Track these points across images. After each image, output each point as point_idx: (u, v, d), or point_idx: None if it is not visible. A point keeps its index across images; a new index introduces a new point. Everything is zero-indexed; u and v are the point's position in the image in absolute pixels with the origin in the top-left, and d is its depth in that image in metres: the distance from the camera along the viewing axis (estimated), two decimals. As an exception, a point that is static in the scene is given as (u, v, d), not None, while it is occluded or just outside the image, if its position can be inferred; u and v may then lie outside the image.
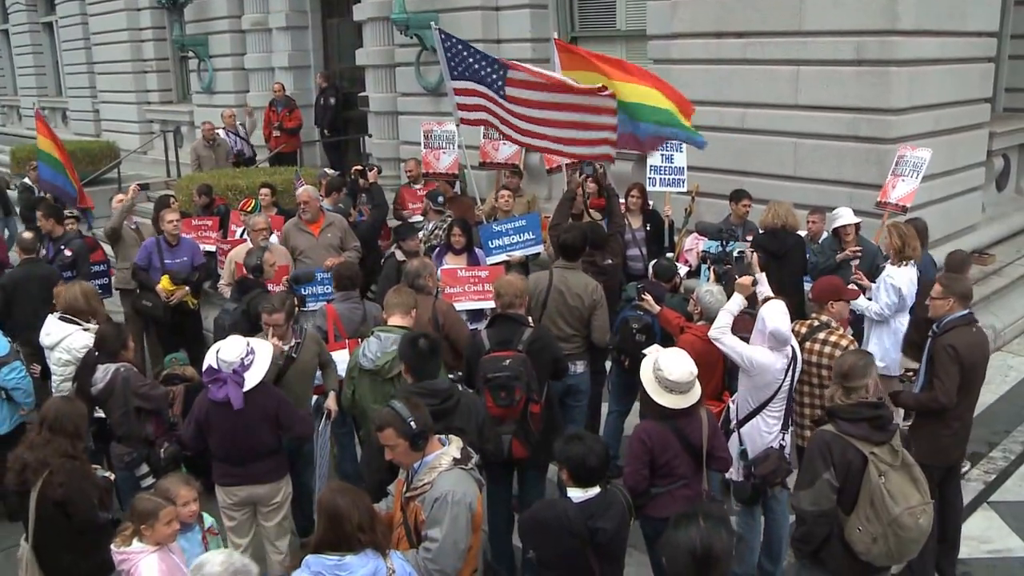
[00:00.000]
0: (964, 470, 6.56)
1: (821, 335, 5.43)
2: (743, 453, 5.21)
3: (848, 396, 4.32)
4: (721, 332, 5.18)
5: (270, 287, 7.15)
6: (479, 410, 4.84)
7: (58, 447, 4.62)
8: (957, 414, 5.30)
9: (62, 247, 8.55)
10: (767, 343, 5.06)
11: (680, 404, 4.59)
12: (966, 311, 5.38)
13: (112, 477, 5.10)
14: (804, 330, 5.52)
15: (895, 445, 4.16)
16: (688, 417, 4.63)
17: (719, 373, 5.73)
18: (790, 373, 5.12)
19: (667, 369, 4.58)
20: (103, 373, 5.59)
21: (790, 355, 5.11)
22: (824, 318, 5.55)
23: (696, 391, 4.65)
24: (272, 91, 14.87)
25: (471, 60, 8.07)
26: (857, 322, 6.91)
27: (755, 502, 5.31)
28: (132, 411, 5.55)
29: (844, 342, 5.37)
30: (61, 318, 6.47)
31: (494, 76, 7.95)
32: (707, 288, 5.87)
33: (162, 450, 5.54)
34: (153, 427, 5.64)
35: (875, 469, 4.07)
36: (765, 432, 5.16)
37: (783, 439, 5.18)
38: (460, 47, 8.11)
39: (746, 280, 5.38)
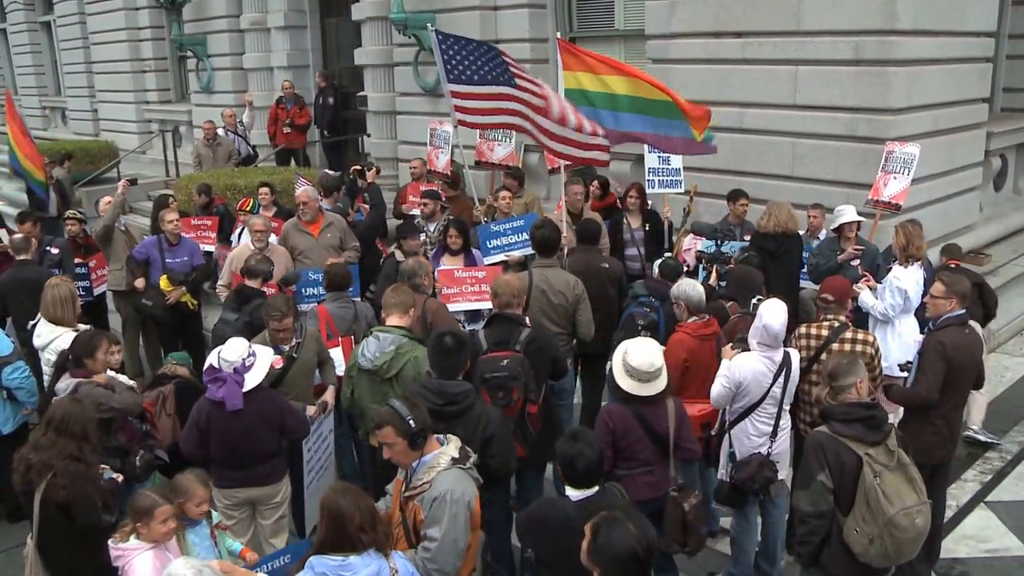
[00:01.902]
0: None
1: (848, 335, 5.50)
2: (731, 455, 5.26)
3: (836, 396, 4.35)
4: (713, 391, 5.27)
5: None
6: (491, 423, 4.74)
7: (63, 449, 4.58)
8: (941, 413, 5.30)
9: (47, 247, 8.56)
10: (756, 337, 5.11)
11: (638, 391, 4.72)
12: (963, 311, 5.40)
13: (119, 479, 5.05)
14: (826, 332, 5.56)
15: (890, 445, 4.17)
16: (652, 405, 4.76)
17: (714, 370, 5.70)
18: (781, 380, 5.12)
19: (630, 354, 4.75)
20: (64, 384, 5.49)
21: (779, 361, 5.11)
22: (842, 318, 5.61)
23: (658, 383, 4.75)
24: (281, 88, 14.82)
25: (473, 57, 7.93)
26: (861, 321, 6.95)
27: (735, 504, 5.35)
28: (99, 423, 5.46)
29: (870, 338, 5.50)
30: (51, 319, 6.46)
31: (499, 70, 7.78)
32: (678, 284, 5.97)
33: (137, 458, 5.44)
34: (126, 436, 5.53)
35: (870, 470, 4.08)
36: (753, 436, 5.18)
37: (771, 446, 5.18)
38: (459, 47, 8.00)
39: (728, 350, 5.42)
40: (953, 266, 7.20)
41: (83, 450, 4.66)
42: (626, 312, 6.61)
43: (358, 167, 9.73)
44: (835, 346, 5.46)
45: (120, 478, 5.08)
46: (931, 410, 5.26)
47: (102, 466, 4.91)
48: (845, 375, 4.36)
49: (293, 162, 14.36)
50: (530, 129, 7.82)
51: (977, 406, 7.17)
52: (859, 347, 5.42)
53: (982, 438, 7.23)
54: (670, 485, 4.88)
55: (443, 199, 9.36)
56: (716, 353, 5.71)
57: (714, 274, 7.12)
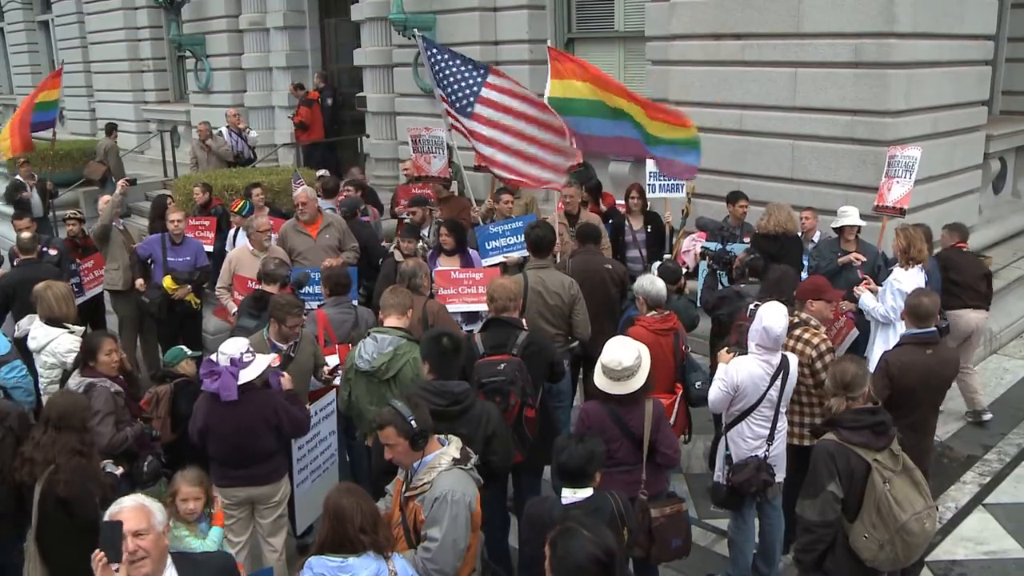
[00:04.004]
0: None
1: (797, 331, 5.51)
2: (727, 457, 5.26)
3: (851, 405, 4.32)
4: (711, 394, 5.29)
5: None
6: (492, 421, 4.74)
7: (66, 444, 4.58)
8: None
9: (45, 248, 8.54)
10: (756, 339, 5.12)
11: (611, 389, 4.71)
12: (923, 330, 5.35)
13: (119, 473, 5.02)
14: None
15: (895, 450, 4.17)
16: (628, 406, 4.72)
17: (670, 366, 5.76)
18: (778, 383, 5.11)
19: (606, 351, 4.74)
20: (75, 383, 5.48)
21: (776, 364, 5.11)
22: (804, 315, 5.61)
23: (632, 383, 4.71)
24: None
25: (449, 71, 8.06)
26: (863, 324, 6.95)
27: (731, 506, 5.36)
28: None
29: (816, 339, 5.43)
30: (47, 321, 6.44)
31: (468, 91, 7.92)
32: (647, 280, 6.00)
33: (145, 464, 5.41)
34: (135, 441, 5.51)
35: (879, 476, 4.07)
36: (750, 439, 5.18)
37: (768, 450, 5.19)
38: (441, 56, 8.10)
39: (724, 354, 5.43)
40: (962, 249, 7.63)
41: (84, 441, 4.66)
42: (626, 314, 6.61)
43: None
44: (785, 340, 5.48)
45: (120, 471, 5.06)
46: None
47: (105, 460, 4.92)
48: (859, 385, 4.34)
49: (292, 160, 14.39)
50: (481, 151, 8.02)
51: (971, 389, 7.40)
52: (800, 345, 5.42)
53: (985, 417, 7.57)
54: (658, 489, 4.88)
55: (432, 200, 9.35)
56: (673, 348, 5.74)
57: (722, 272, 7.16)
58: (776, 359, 5.11)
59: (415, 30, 9.61)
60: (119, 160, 15.44)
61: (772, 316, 5.06)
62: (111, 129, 15.81)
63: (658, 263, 7.14)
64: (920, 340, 5.34)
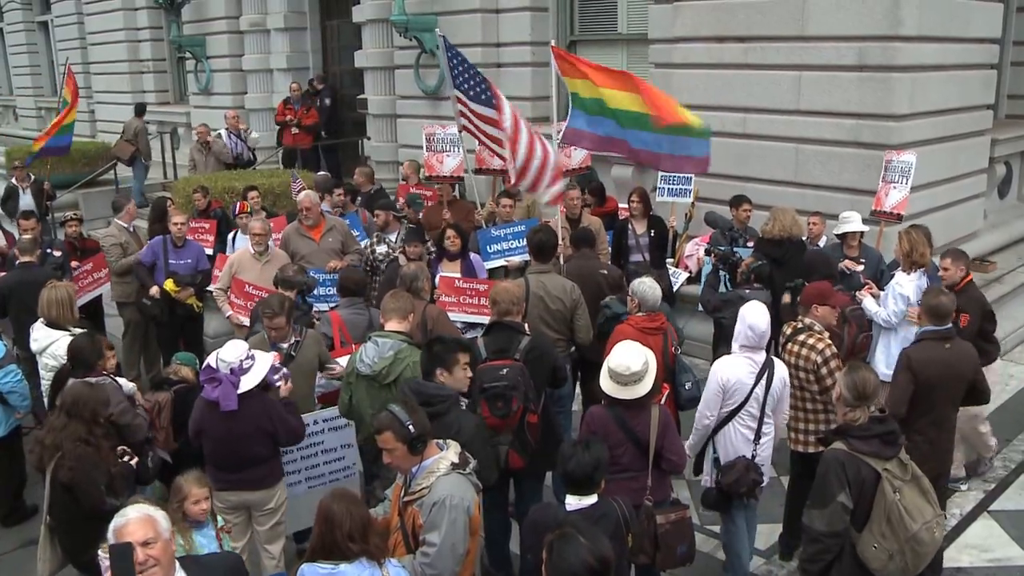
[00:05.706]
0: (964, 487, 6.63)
1: (801, 337, 5.49)
2: (716, 460, 5.24)
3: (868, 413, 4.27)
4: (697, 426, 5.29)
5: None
6: (468, 431, 4.59)
7: (73, 431, 4.68)
8: (918, 428, 5.17)
9: (48, 249, 8.48)
10: (740, 340, 5.12)
11: (617, 393, 4.68)
12: (942, 327, 5.32)
13: (135, 464, 5.01)
14: (789, 331, 5.61)
15: (903, 458, 4.13)
16: (634, 410, 4.70)
17: (659, 366, 5.69)
18: (763, 382, 5.09)
19: (612, 355, 4.73)
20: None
21: (761, 363, 5.10)
22: (808, 320, 5.59)
23: (639, 388, 4.69)
24: (289, 90, 14.75)
25: (470, 74, 8.05)
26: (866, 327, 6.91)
27: (722, 509, 5.34)
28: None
29: (820, 344, 5.41)
30: (48, 324, 6.39)
31: (480, 90, 7.98)
32: (640, 280, 5.98)
33: (148, 459, 5.34)
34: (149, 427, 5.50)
35: (889, 486, 4.03)
36: (737, 440, 5.17)
37: (755, 450, 5.16)
38: (461, 59, 8.09)
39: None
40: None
41: (93, 432, 4.74)
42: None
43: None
44: (789, 345, 5.51)
45: (135, 461, 5.05)
46: (906, 424, 5.09)
47: (121, 447, 4.95)
48: (877, 394, 4.30)
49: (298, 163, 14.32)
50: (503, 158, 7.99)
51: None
52: (804, 351, 5.40)
53: (962, 486, 6.75)
54: (662, 495, 4.85)
55: (403, 210, 9.31)
56: (663, 349, 5.70)
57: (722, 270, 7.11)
58: (760, 357, 5.12)
59: (436, 29, 9.60)
60: (147, 141, 15.53)
61: (754, 315, 5.09)
62: (141, 110, 15.83)
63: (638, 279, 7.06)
64: (938, 335, 5.31)
